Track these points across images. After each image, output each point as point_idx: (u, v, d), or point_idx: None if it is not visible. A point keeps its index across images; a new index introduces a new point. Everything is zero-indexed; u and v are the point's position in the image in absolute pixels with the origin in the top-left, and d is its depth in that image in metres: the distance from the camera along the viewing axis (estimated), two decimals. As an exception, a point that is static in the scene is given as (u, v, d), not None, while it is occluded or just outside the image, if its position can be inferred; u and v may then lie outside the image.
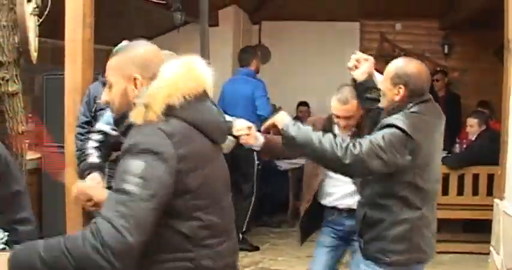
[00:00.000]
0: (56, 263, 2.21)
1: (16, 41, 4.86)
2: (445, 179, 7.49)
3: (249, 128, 4.03)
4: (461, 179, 7.57)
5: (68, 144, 5.43)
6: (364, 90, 4.19)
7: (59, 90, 5.90)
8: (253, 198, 7.90)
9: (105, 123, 4.54)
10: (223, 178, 2.75)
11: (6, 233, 3.11)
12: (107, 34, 6.78)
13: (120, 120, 2.64)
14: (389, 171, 3.59)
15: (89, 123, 5.29)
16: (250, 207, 7.91)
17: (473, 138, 7.88)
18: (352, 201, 4.60)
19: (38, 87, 7.99)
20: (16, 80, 4.90)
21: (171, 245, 2.47)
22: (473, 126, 7.88)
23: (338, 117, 4.61)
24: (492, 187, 7.01)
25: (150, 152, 2.37)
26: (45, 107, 7.38)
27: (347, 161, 3.50)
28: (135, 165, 2.34)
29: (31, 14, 4.89)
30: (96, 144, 4.49)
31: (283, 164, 9.02)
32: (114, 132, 4.48)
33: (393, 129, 3.58)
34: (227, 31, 10.41)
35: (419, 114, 3.70)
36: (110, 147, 4.53)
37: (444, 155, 7.92)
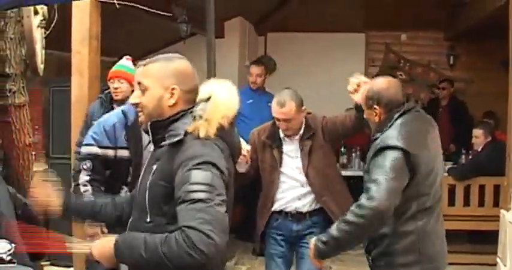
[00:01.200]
0: (156, 262, 2.48)
1: (23, 53, 4.89)
2: (451, 190, 7.49)
3: (248, 151, 4.33)
4: (467, 190, 7.55)
5: (74, 155, 5.44)
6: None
7: (65, 102, 5.93)
8: None
9: (90, 141, 4.60)
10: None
11: (13, 245, 3.12)
12: (113, 46, 6.80)
13: (160, 129, 2.83)
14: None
15: None
16: None
17: (479, 149, 7.87)
18: (300, 204, 4.79)
19: (45, 99, 8.00)
20: (23, 92, 4.92)
21: None
22: (478, 137, 7.86)
23: (278, 120, 4.73)
24: (498, 198, 7.00)
25: (211, 164, 2.61)
26: (52, 119, 7.40)
27: (377, 222, 3.54)
28: (202, 175, 2.57)
29: (38, 26, 4.91)
30: (88, 177, 4.57)
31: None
32: (101, 151, 4.57)
33: (390, 152, 3.60)
34: (233, 43, 10.42)
35: (407, 123, 3.75)
36: (103, 169, 4.60)
37: (450, 165, 7.91)
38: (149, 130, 2.87)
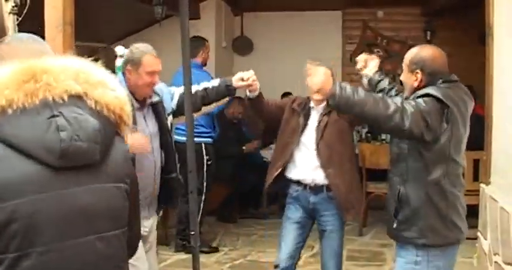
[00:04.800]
0: None
1: (-4, 41, 4.82)
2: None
3: (249, 79, 4.74)
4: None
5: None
6: (377, 82, 4.49)
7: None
8: (203, 197, 7.34)
9: None
10: (74, 211, 2.05)
11: None
12: (88, 30, 6.74)
13: None
14: (429, 137, 3.66)
15: None
16: (201, 206, 7.34)
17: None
18: (317, 176, 5.02)
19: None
20: (-3, 80, 4.86)
21: None
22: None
23: None
24: (478, 172, 7.03)
25: None
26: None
27: (406, 124, 3.58)
28: None
29: (10, 13, 4.85)
30: None
31: (269, 156, 9.03)
32: None
33: (429, 98, 3.70)
34: (209, 23, 10.38)
35: (449, 88, 3.83)
36: None
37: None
38: None
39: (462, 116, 3.81)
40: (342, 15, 11.58)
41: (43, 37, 5.41)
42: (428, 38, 11.19)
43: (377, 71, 4.57)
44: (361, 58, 4.67)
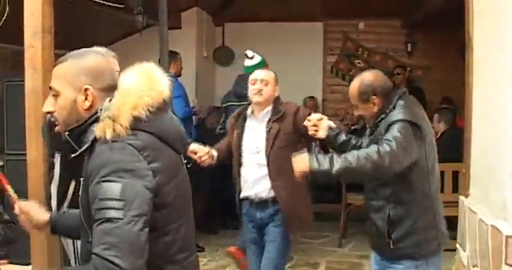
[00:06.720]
0: None
1: (-27, 48, 4.79)
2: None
3: (207, 152, 4.92)
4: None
5: (29, 150, 5.33)
6: (334, 138, 4.39)
7: (19, 96, 5.82)
8: None
9: None
10: (189, 188, 2.67)
11: None
12: (68, 39, 6.69)
13: (80, 136, 2.47)
14: (412, 161, 3.72)
15: None
16: None
17: (437, 136, 7.90)
18: (260, 189, 5.01)
19: (-1, 94, 7.85)
20: (-26, 88, 4.83)
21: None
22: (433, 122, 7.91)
23: (255, 82, 5.19)
24: (458, 184, 7.04)
25: (124, 170, 2.25)
26: (6, 114, 7.27)
27: (386, 163, 3.60)
28: (112, 188, 2.21)
29: (-12, 19, 4.81)
30: None
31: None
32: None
33: (400, 123, 3.74)
34: (190, 33, 10.36)
35: (409, 105, 3.91)
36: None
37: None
38: (69, 139, 2.51)
39: (428, 124, 3.96)
40: (323, 27, 11.61)
41: (22, 43, 5.40)
42: (409, 50, 11.25)
43: (330, 127, 4.44)
44: (311, 123, 4.48)
